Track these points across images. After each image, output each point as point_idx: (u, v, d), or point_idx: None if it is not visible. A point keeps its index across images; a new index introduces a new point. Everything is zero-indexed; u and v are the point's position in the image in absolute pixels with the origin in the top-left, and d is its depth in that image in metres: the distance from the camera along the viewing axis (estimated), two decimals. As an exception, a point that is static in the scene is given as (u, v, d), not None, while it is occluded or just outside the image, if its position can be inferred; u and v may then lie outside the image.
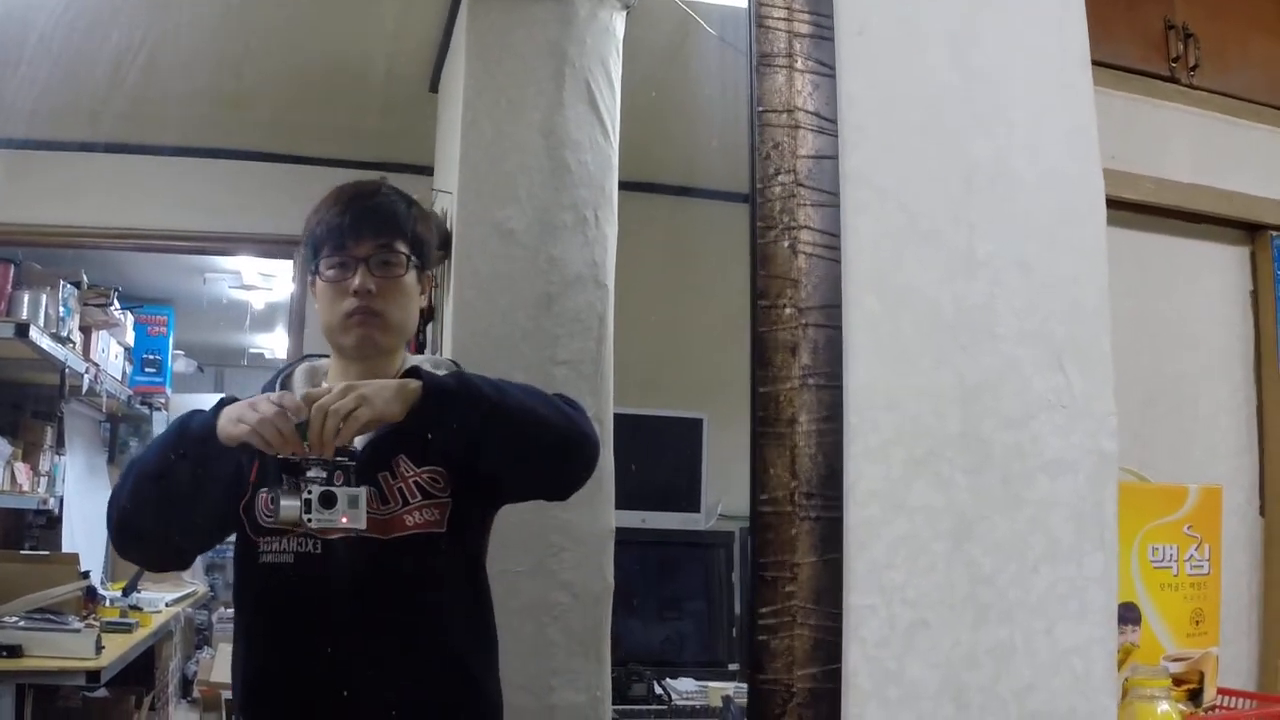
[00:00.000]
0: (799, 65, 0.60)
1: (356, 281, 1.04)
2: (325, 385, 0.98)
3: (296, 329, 2.67)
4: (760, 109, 0.60)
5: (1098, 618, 0.68)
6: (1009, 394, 0.66)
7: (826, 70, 0.62)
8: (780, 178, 0.59)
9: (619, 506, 1.65)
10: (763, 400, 0.58)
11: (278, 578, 1.01)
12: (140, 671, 2.32)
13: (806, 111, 0.60)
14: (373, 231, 1.06)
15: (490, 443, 0.97)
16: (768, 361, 0.58)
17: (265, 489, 1.02)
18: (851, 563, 0.60)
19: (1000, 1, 0.72)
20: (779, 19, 0.61)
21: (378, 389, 0.93)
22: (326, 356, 1.11)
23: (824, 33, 0.62)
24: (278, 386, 1.11)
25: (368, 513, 0.99)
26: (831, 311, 0.59)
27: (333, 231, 1.06)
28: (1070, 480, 0.67)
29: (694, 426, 2.35)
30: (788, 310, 0.58)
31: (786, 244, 0.58)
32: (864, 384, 0.62)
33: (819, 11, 0.62)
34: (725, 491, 2.41)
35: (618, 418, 1.67)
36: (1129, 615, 0.94)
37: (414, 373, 1.01)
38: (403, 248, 1.08)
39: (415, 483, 1.01)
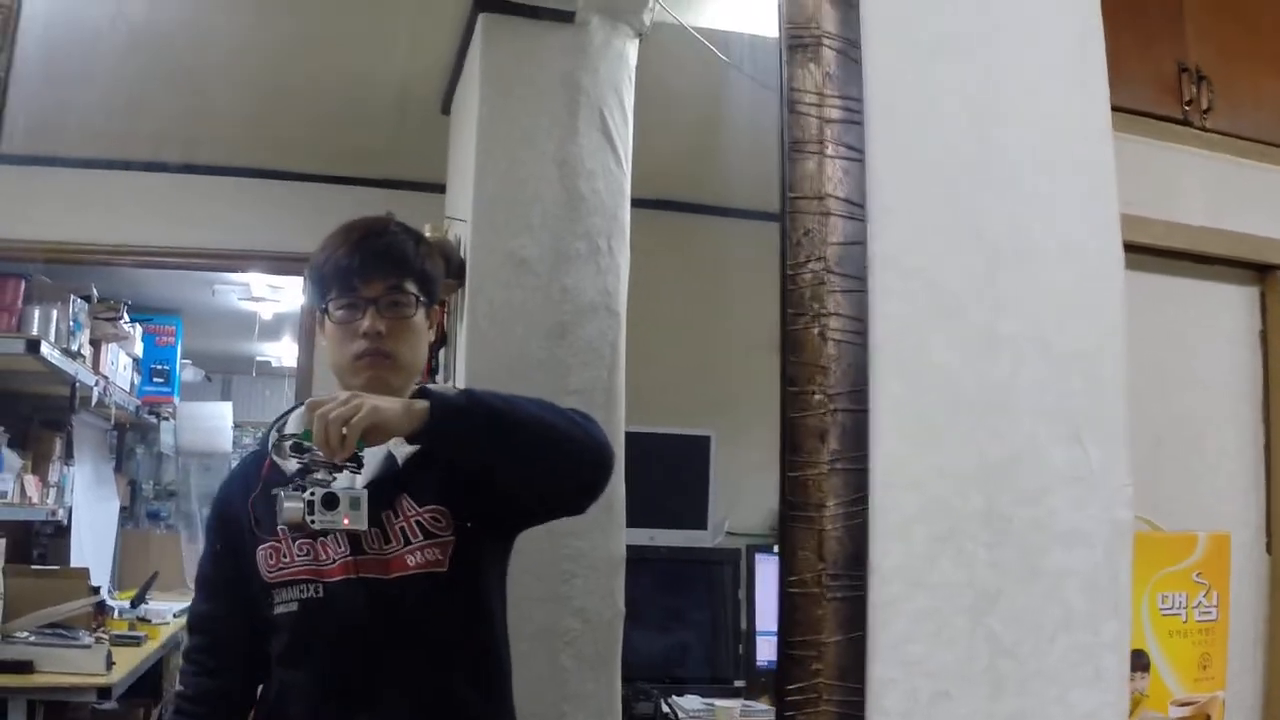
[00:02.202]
0: (829, 151, 0.62)
1: (366, 323, 1.05)
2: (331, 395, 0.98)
3: (304, 339, 2.70)
4: (792, 195, 0.61)
5: (1110, 682, 0.70)
6: (1028, 469, 0.67)
7: (856, 155, 0.63)
8: (811, 265, 0.60)
9: (628, 524, 1.67)
10: (792, 485, 0.60)
11: (287, 627, 1.03)
12: (148, 684, 2.33)
13: (837, 198, 0.61)
14: (382, 273, 1.07)
15: (503, 454, 0.97)
16: (798, 447, 0.59)
17: (265, 544, 1.04)
18: (875, 638, 0.61)
19: (1020, 71, 0.73)
20: (810, 104, 0.62)
21: (384, 400, 0.95)
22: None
23: (854, 117, 0.63)
24: (273, 434, 1.12)
25: (370, 553, 1.00)
26: (858, 395, 0.61)
27: (341, 272, 1.07)
28: (1086, 551, 0.69)
29: (701, 444, 2.38)
30: (817, 396, 0.59)
31: (816, 331, 0.60)
32: (889, 465, 0.63)
33: (849, 95, 0.63)
34: (732, 509, 2.43)
35: (626, 436, 1.68)
36: (1138, 662, 0.96)
37: (423, 393, 1.03)
38: (412, 287, 1.09)
39: (417, 522, 1.02)
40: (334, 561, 1.03)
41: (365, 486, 0.99)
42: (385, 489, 1.01)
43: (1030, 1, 0.73)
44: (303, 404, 1.15)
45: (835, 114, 0.62)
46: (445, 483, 1.04)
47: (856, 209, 0.62)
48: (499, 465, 0.99)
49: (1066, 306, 0.70)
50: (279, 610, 1.04)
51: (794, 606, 0.58)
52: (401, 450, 1.05)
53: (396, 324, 1.07)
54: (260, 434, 1.17)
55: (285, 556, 1.04)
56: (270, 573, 1.04)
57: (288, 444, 1.01)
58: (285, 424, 1.12)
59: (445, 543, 1.03)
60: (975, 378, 0.66)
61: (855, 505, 0.61)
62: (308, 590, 1.02)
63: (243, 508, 1.08)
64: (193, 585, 1.15)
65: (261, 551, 1.04)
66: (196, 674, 1.08)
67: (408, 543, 1.03)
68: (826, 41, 0.62)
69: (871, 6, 0.64)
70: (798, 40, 0.62)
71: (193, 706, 1.07)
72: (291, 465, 1.02)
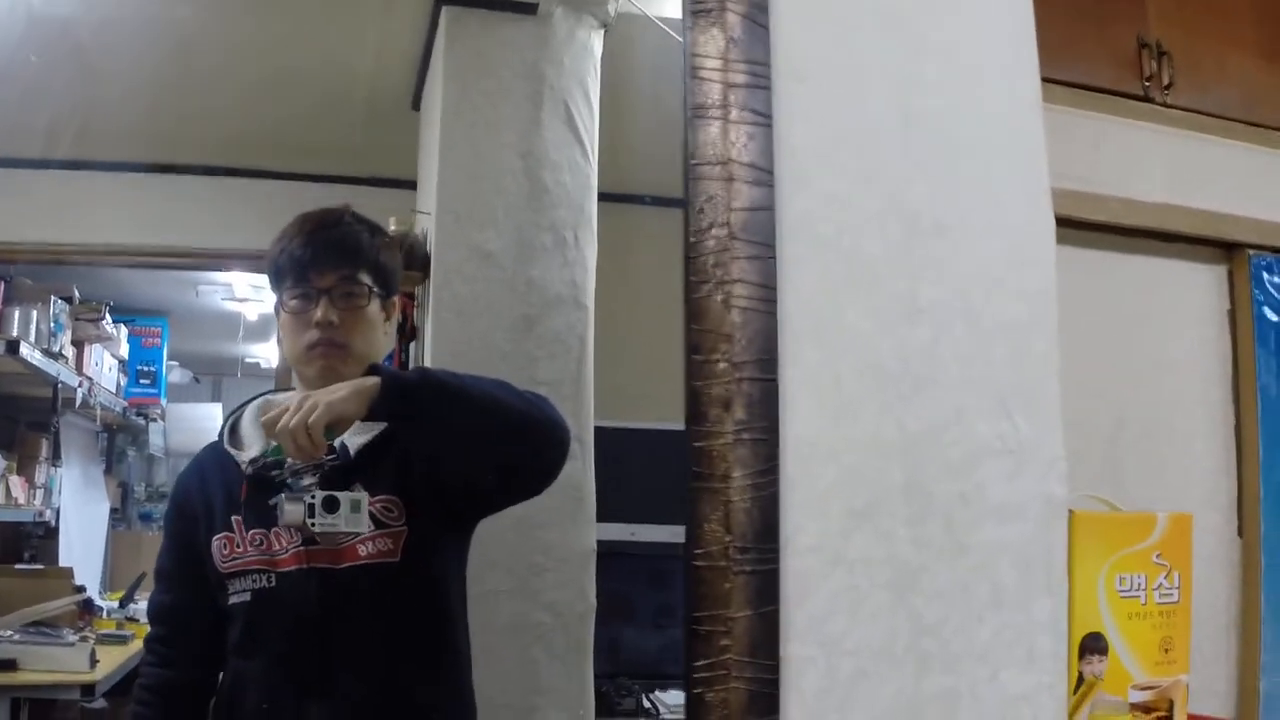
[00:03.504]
0: (734, 116, 0.60)
1: (319, 313, 1.05)
2: (282, 401, 0.99)
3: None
4: (694, 161, 0.60)
5: (1046, 664, 0.68)
6: (953, 442, 0.65)
7: (763, 120, 0.61)
8: (714, 231, 0.59)
9: (606, 520, 1.66)
10: (696, 455, 0.58)
11: (240, 617, 1.02)
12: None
13: (741, 163, 0.60)
14: (334, 263, 1.07)
15: (455, 429, 0.97)
16: (702, 416, 0.58)
17: (219, 534, 1.04)
18: (789, 614, 0.60)
19: (946, 42, 0.72)
20: (713, 69, 0.61)
21: (332, 391, 0.95)
22: (287, 390, 1.12)
23: (760, 82, 0.62)
24: (227, 430, 1.12)
25: (320, 543, 1.00)
26: (767, 364, 0.59)
27: (295, 263, 1.07)
28: (1016, 526, 0.67)
29: (678, 438, 2.35)
30: (721, 365, 0.58)
31: (720, 298, 0.58)
32: (802, 436, 0.61)
33: (755, 59, 0.62)
34: (714, 504, 2.41)
35: (602, 431, 1.67)
36: (1095, 646, 0.94)
37: (374, 370, 1.02)
38: (365, 278, 1.09)
39: (369, 512, 1.02)
40: (286, 551, 1.02)
41: (318, 477, 0.99)
42: (338, 479, 1.01)
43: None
44: (254, 399, 1.15)
45: (740, 79, 0.61)
46: (398, 473, 1.04)
47: (763, 174, 0.61)
48: (451, 440, 0.98)
49: (993, 277, 0.69)
50: (233, 600, 1.04)
51: (699, 580, 0.57)
52: (355, 440, 1.05)
53: (349, 314, 1.07)
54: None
55: (239, 547, 1.04)
56: (224, 563, 1.04)
57: (261, 468, 1.03)
58: (239, 419, 1.12)
59: (397, 532, 1.02)
60: (894, 346, 0.65)
61: (765, 476, 0.59)
62: (260, 580, 1.03)
63: (200, 501, 1.08)
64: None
65: (216, 542, 1.05)
66: (156, 665, 1.08)
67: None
68: (731, 5, 0.61)
69: (780, -30, 0.63)
70: (701, 5, 0.61)
71: (152, 697, 1.07)
72: (255, 452, 1.02)
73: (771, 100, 0.61)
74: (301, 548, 1.02)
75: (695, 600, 0.57)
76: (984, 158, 0.71)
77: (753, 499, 0.58)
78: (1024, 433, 0.68)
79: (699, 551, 0.57)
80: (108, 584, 3.22)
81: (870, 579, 0.63)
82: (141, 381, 3.38)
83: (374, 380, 0.96)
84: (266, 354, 3.98)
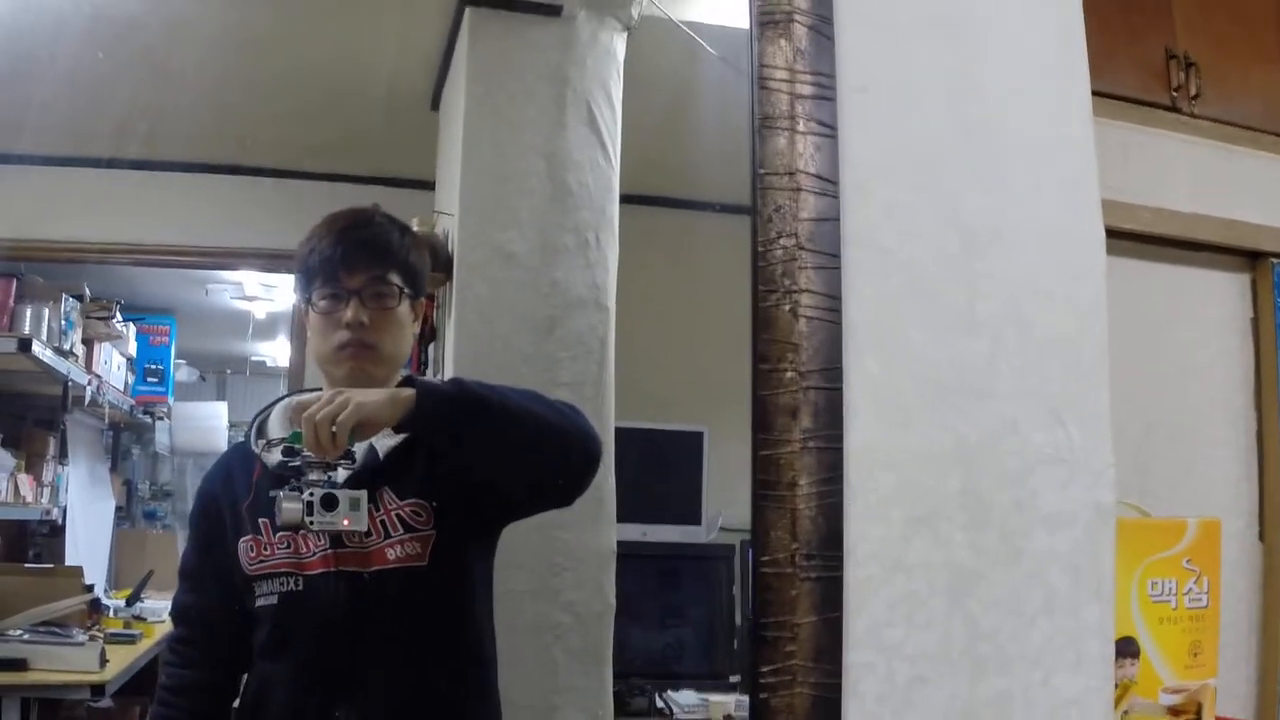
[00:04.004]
0: (801, 127, 0.61)
1: (349, 314, 1.05)
2: (317, 393, 0.98)
3: (298, 338, 2.69)
4: (762, 171, 0.61)
5: (1094, 667, 0.69)
6: (1008, 451, 0.66)
7: (828, 131, 0.62)
8: (782, 241, 0.59)
9: (620, 520, 1.67)
10: (763, 463, 0.59)
11: (267, 619, 1.02)
12: (144, 681, 2.33)
13: (808, 174, 0.60)
14: (365, 263, 1.07)
15: (489, 442, 0.97)
16: (769, 425, 0.59)
17: (246, 536, 1.04)
18: (850, 621, 0.61)
19: (1000, 53, 0.73)
20: (781, 80, 0.62)
21: (368, 394, 0.95)
22: (315, 390, 1.12)
23: (826, 93, 0.63)
24: (254, 429, 1.12)
25: (350, 546, 1.00)
26: (832, 373, 0.60)
27: (325, 263, 1.07)
28: (1067, 533, 0.68)
29: (695, 440, 2.37)
30: (789, 374, 0.58)
31: (788, 308, 0.59)
32: (864, 444, 0.62)
33: (821, 71, 0.62)
34: (726, 504, 2.42)
35: (619, 432, 1.68)
36: (1128, 649, 0.95)
37: (409, 382, 1.02)
38: (395, 279, 1.09)
39: (398, 515, 1.02)
40: (314, 554, 1.02)
41: (346, 480, 0.99)
42: (366, 482, 1.01)
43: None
44: (282, 399, 1.15)
45: (807, 90, 0.61)
46: (427, 476, 1.04)
47: (829, 185, 0.61)
48: (485, 453, 0.98)
49: (1046, 289, 0.70)
50: (260, 603, 1.03)
51: (767, 586, 0.58)
52: (384, 443, 1.05)
53: (379, 315, 1.07)
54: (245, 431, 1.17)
55: (266, 549, 1.04)
56: (251, 565, 1.04)
57: (278, 448, 1.01)
58: (267, 418, 1.12)
59: (425, 536, 1.02)
60: (952, 359, 0.66)
61: (829, 484, 0.60)
62: (288, 583, 1.02)
63: (227, 502, 1.08)
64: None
65: (243, 544, 1.04)
66: (179, 665, 1.08)
67: (388, 536, 1.02)
68: (798, 18, 0.61)
69: (845, -17, 0.64)
70: (769, 17, 0.62)
71: (175, 698, 1.07)
72: (277, 459, 1.01)
73: (836, 111, 0.62)
74: (330, 551, 1.02)
75: (762, 606, 0.58)
76: (1037, 168, 0.72)
77: (818, 506, 0.59)
78: (1076, 442, 0.69)
79: (766, 559, 0.58)
80: (113, 582, 3.21)
81: (929, 585, 0.63)
82: (149, 379, 3.37)
83: (409, 392, 0.95)
84: (274, 353, 3.97)
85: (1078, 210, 0.72)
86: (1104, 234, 0.73)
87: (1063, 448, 0.68)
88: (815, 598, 0.58)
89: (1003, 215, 0.69)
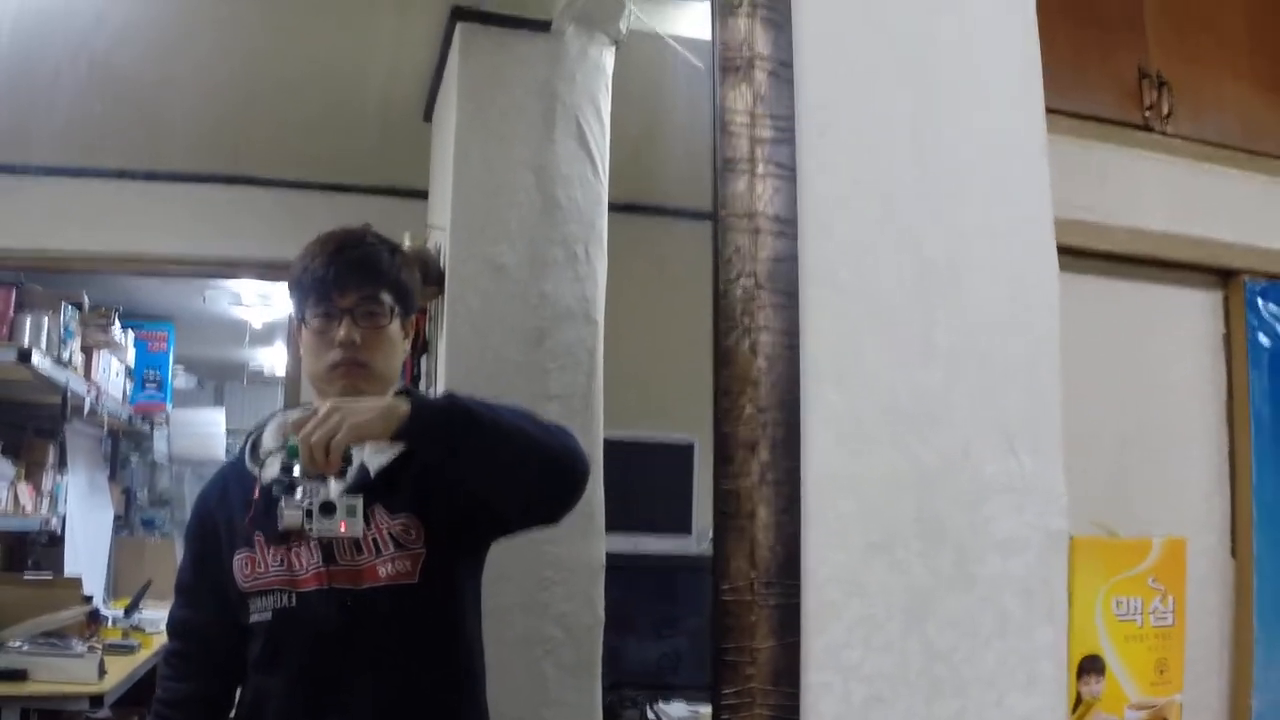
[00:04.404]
0: (760, 170, 0.63)
1: (341, 333, 1.08)
2: (314, 406, 1.01)
3: (294, 346, 2.71)
4: (723, 212, 0.63)
5: (1048, 687, 0.71)
6: (963, 478, 0.69)
7: (787, 173, 0.65)
8: (742, 280, 0.62)
9: (610, 530, 1.69)
10: (724, 496, 0.61)
11: (261, 635, 1.05)
12: (142, 691, 2.35)
13: (767, 216, 0.63)
14: (356, 283, 1.10)
15: (481, 457, 0.99)
16: (730, 458, 0.61)
17: (240, 552, 1.07)
18: (809, 643, 0.63)
19: (957, 90, 0.75)
20: (742, 124, 0.64)
21: (362, 408, 0.97)
22: (306, 405, 1.14)
23: (786, 135, 0.65)
24: (249, 447, 1.14)
25: (342, 563, 1.03)
26: (790, 407, 0.62)
27: (318, 283, 1.10)
28: (1020, 558, 0.70)
29: (685, 451, 2.39)
30: (748, 409, 0.61)
31: (747, 345, 0.61)
32: (824, 472, 0.65)
33: (780, 114, 0.65)
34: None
35: (608, 443, 1.70)
36: (1093, 666, 0.97)
37: (405, 394, 1.04)
38: (387, 298, 1.12)
39: (389, 532, 1.05)
40: (307, 571, 1.05)
41: (340, 493, 1.01)
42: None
43: (967, 25, 0.74)
44: (274, 417, 1.17)
45: (767, 133, 0.64)
46: (417, 494, 1.06)
47: (788, 226, 0.64)
48: (475, 468, 1.01)
49: (1001, 319, 0.72)
50: (254, 618, 1.06)
51: (726, 613, 0.60)
52: (375, 460, 1.08)
53: (371, 334, 1.10)
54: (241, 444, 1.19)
55: (260, 565, 1.06)
56: (245, 581, 1.06)
57: (274, 464, 1.04)
58: (260, 436, 1.14)
59: (415, 554, 1.05)
60: (910, 387, 0.68)
61: (788, 514, 0.62)
62: (281, 599, 1.05)
63: (223, 518, 1.10)
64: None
65: (237, 560, 1.07)
66: (174, 679, 1.10)
67: (379, 553, 1.05)
68: (758, 63, 0.64)
69: (804, 29, 0.66)
70: (730, 63, 0.64)
71: (171, 711, 1.09)
72: (276, 472, 1.04)
73: (795, 152, 0.64)
74: (323, 568, 1.04)
75: (722, 632, 0.60)
76: (992, 202, 0.74)
77: (776, 536, 0.61)
78: (1028, 469, 0.71)
79: (726, 586, 0.60)
80: (111, 591, 3.23)
81: (886, 608, 0.66)
82: (148, 387, 3.40)
83: (404, 405, 0.98)
84: (271, 360, 4.00)
85: (1032, 242, 0.74)
86: (1057, 266, 0.76)
87: (1015, 475, 0.70)
88: (774, 623, 0.60)
89: (960, 248, 0.72)
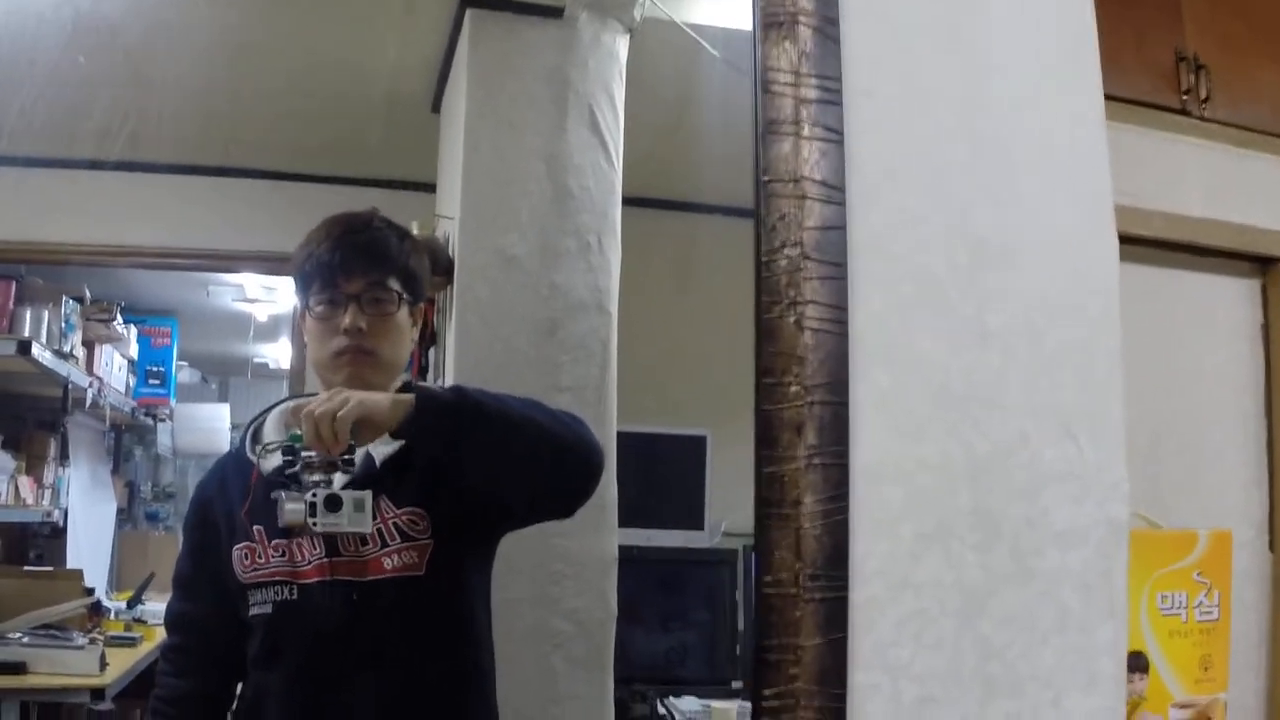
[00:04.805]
0: (806, 132, 0.59)
1: (347, 320, 1.04)
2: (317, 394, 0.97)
3: (299, 340, 2.68)
4: (766, 178, 0.59)
5: (1107, 686, 0.67)
6: (1019, 466, 0.65)
7: (834, 136, 0.60)
8: (787, 250, 0.58)
9: (623, 524, 1.65)
10: (767, 480, 0.57)
11: (261, 629, 1.01)
12: (144, 684, 2.32)
13: (814, 180, 0.59)
14: (363, 268, 1.06)
15: (489, 451, 0.95)
16: (773, 441, 0.57)
17: (240, 543, 1.03)
18: (856, 641, 0.59)
19: (1010, 58, 0.71)
20: (786, 84, 0.60)
21: (369, 395, 0.93)
22: (310, 395, 1.11)
23: (832, 97, 0.61)
24: (249, 434, 1.10)
25: (346, 555, 0.99)
26: (837, 387, 0.58)
27: (322, 268, 1.06)
28: (1080, 551, 0.66)
29: (698, 444, 2.36)
30: (794, 388, 0.57)
31: (793, 319, 0.57)
32: (871, 459, 0.61)
33: (826, 74, 0.61)
34: (729, 509, 2.40)
35: (621, 436, 1.67)
36: (1137, 663, 0.93)
37: (409, 388, 1.01)
38: (394, 284, 1.08)
39: (395, 524, 1.01)
40: (309, 563, 1.01)
41: (343, 488, 0.97)
42: (361, 489, 0.99)
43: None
44: (276, 405, 1.14)
45: (812, 94, 0.60)
46: (424, 485, 1.03)
47: (835, 192, 0.60)
48: (484, 462, 0.97)
49: (1058, 300, 0.68)
50: (254, 612, 1.02)
51: (770, 608, 0.56)
52: (380, 451, 1.04)
53: (378, 321, 1.06)
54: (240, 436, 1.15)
55: (260, 557, 1.03)
56: (245, 574, 1.02)
57: (275, 452, 1.00)
58: (262, 424, 1.10)
59: (423, 546, 1.01)
60: (963, 370, 0.64)
61: (835, 502, 0.58)
62: (282, 592, 1.01)
63: (222, 509, 1.07)
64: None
65: (237, 552, 1.03)
66: (173, 674, 1.07)
67: (385, 545, 1.01)
68: (803, 19, 0.60)
69: (851, -17, 0.62)
70: (773, 18, 0.60)
71: (169, 707, 1.05)
72: (278, 462, 1.00)
73: (842, 116, 0.60)
74: (326, 559, 1.01)
75: (765, 628, 0.56)
76: (1047, 178, 0.70)
77: (823, 525, 0.57)
78: (1088, 456, 0.67)
79: (769, 579, 0.56)
80: (115, 584, 3.21)
81: (939, 604, 0.62)
82: (151, 381, 3.37)
83: (410, 397, 0.94)
84: (276, 354, 3.96)
85: (1090, 220, 0.70)
86: (1117, 244, 0.72)
87: (1074, 462, 0.66)
88: (820, 619, 0.56)
89: (1013, 224, 0.68)
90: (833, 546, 0.57)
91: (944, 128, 0.67)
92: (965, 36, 0.69)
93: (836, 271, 0.59)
